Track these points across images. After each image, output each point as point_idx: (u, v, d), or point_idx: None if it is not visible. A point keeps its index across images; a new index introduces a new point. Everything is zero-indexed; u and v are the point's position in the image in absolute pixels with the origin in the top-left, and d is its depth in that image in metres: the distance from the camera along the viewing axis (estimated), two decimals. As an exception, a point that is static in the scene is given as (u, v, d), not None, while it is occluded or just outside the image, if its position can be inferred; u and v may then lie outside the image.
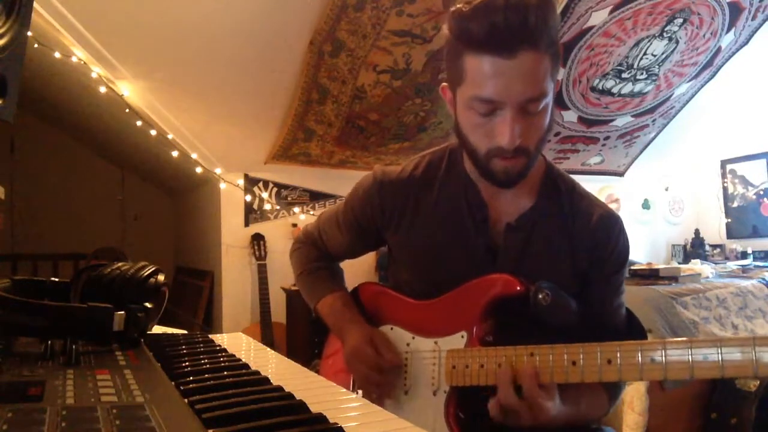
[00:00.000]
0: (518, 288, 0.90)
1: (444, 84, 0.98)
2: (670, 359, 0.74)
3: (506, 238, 0.99)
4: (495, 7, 0.80)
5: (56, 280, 0.82)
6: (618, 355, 0.78)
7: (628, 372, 0.78)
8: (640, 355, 0.77)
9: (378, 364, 0.98)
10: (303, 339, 3.16)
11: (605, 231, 1.00)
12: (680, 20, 2.92)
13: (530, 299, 0.88)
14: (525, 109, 0.85)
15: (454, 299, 0.97)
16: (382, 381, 0.99)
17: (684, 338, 0.76)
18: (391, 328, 1.06)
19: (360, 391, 1.02)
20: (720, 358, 0.71)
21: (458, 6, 0.85)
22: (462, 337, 0.94)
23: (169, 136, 3.13)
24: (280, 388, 0.55)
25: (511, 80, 0.82)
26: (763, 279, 3.00)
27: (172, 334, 0.84)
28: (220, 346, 0.77)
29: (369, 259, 3.44)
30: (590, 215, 1.01)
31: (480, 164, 0.93)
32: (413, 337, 1.01)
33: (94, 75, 2.71)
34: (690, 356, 0.73)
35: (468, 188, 1.01)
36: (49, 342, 0.63)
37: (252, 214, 3.60)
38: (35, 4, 0.83)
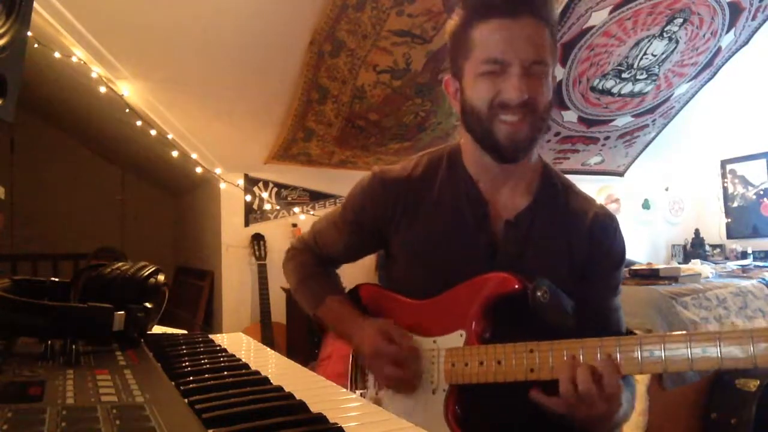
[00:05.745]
0: (516, 286, 0.90)
1: (447, 77, 1.02)
2: (670, 353, 0.75)
3: (505, 234, 1.00)
4: None
5: (56, 280, 0.82)
6: (618, 349, 0.79)
7: (629, 366, 0.78)
8: (639, 349, 0.78)
9: (399, 357, 0.95)
10: (303, 339, 3.16)
11: (601, 229, 1.02)
12: (680, 20, 2.92)
13: (529, 296, 0.88)
14: (529, 71, 0.91)
15: (452, 298, 0.97)
16: (408, 374, 0.96)
17: (683, 332, 0.77)
18: None
19: (380, 391, 1.01)
20: (719, 351, 0.72)
21: None
22: (461, 335, 0.94)
23: (169, 136, 3.13)
24: (280, 388, 0.55)
25: (516, 39, 0.91)
26: (763, 279, 3.00)
27: (172, 334, 0.84)
28: (220, 346, 0.77)
29: (369, 258, 3.44)
30: (586, 214, 1.02)
31: (484, 131, 0.96)
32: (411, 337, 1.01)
33: (94, 75, 2.71)
34: (689, 349, 0.74)
35: (468, 185, 1.03)
36: (49, 342, 0.62)
37: (252, 214, 3.60)
38: (35, 4, 0.83)
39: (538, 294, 0.87)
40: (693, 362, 0.73)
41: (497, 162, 0.99)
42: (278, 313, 3.44)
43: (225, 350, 0.74)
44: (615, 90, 3.37)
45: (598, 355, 0.80)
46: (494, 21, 0.92)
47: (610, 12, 2.72)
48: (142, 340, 0.71)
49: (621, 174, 4.46)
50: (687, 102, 3.80)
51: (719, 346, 0.72)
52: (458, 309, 0.96)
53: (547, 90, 0.94)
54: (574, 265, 0.99)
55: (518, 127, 0.93)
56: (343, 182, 2.95)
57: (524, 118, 0.92)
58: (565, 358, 0.82)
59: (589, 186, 4.12)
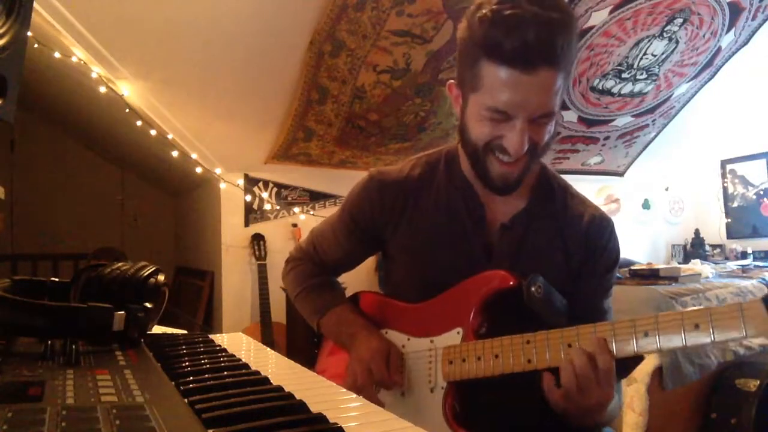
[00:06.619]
0: (511, 282, 0.91)
1: (451, 81, 1.00)
2: (664, 331, 0.76)
3: (501, 237, 1.00)
4: (525, 22, 0.81)
5: (56, 280, 0.82)
6: (613, 333, 0.81)
7: (624, 347, 0.80)
8: (634, 330, 0.79)
9: (382, 381, 0.98)
10: (303, 339, 3.15)
11: (597, 232, 1.03)
12: (680, 20, 2.92)
13: (524, 291, 0.89)
14: (534, 122, 0.89)
15: (449, 298, 0.98)
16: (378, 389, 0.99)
17: (675, 311, 0.79)
18: (386, 332, 1.06)
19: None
20: (711, 326, 0.73)
21: (483, 12, 0.85)
22: (458, 333, 0.95)
23: (169, 136, 3.13)
24: (280, 388, 0.55)
25: (527, 95, 0.85)
26: (763, 279, 3.00)
27: (172, 334, 0.84)
28: (220, 346, 0.77)
29: (369, 259, 3.44)
30: (582, 216, 1.03)
31: (479, 164, 0.96)
32: (408, 339, 1.02)
33: (94, 75, 2.70)
34: (682, 326, 0.75)
35: (465, 188, 1.03)
36: (49, 342, 0.63)
37: (252, 214, 3.59)
38: (35, 4, 0.83)
39: (533, 289, 0.89)
40: (686, 338, 0.75)
41: (486, 189, 0.99)
42: (278, 313, 3.44)
43: (225, 350, 0.74)
44: (615, 90, 3.37)
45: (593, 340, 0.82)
46: (505, 69, 0.84)
47: (610, 12, 2.72)
48: (142, 340, 0.71)
49: (621, 174, 4.46)
50: (687, 102, 3.80)
51: (711, 320, 0.74)
52: (455, 308, 0.97)
53: (550, 130, 0.93)
54: (570, 267, 1.00)
55: (513, 168, 0.93)
56: (343, 182, 2.95)
57: (520, 161, 0.93)
58: (561, 347, 0.83)
59: (588, 186, 4.12)
